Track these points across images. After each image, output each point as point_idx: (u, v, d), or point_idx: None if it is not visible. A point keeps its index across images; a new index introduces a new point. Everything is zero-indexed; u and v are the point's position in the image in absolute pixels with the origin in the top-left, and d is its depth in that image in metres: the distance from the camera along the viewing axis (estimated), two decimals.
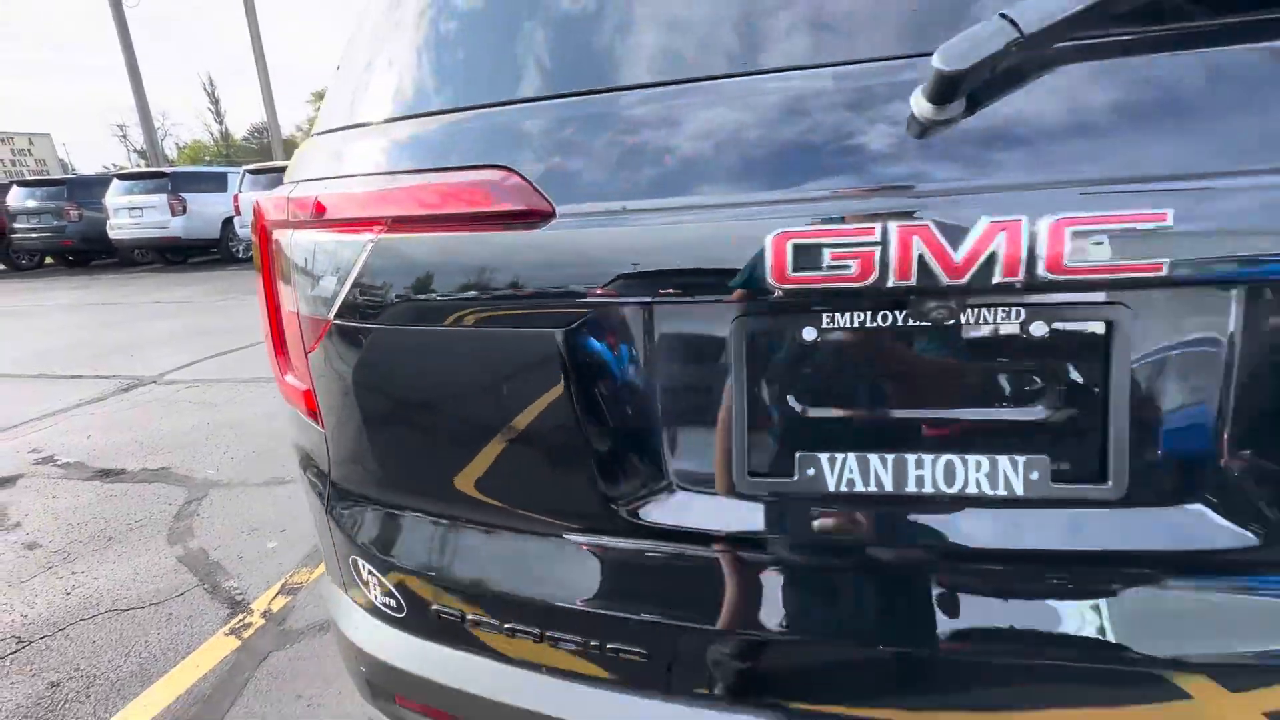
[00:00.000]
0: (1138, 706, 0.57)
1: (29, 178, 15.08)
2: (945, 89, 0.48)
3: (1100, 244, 0.48)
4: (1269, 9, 0.49)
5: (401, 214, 0.67)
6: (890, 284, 0.52)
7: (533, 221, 0.61)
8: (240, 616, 2.07)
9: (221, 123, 51.90)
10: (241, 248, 12.34)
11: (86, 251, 12.95)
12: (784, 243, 0.52)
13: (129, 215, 11.58)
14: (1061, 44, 0.49)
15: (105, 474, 3.21)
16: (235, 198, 11.39)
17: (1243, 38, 0.49)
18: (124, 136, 50.58)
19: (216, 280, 10.39)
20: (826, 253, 0.52)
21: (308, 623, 2.02)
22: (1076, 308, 0.54)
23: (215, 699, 1.73)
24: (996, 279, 0.50)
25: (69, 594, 2.23)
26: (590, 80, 0.64)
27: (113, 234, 11.77)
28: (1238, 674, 0.56)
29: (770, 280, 0.54)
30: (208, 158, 47.53)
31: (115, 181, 12.16)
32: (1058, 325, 0.55)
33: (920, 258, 0.51)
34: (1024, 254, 0.49)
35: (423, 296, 0.66)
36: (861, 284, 0.52)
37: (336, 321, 0.72)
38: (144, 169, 16.20)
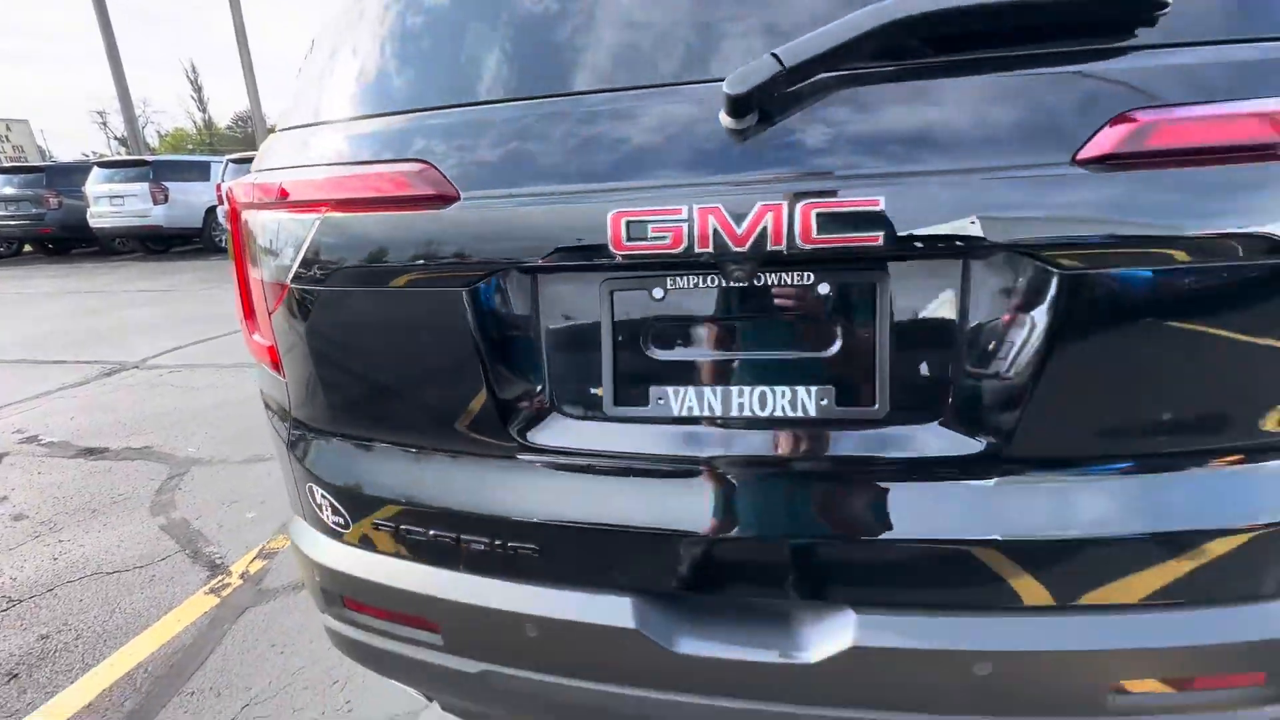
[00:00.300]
0: (895, 559, 0.75)
1: (6, 164, 14.96)
2: (736, 106, 0.65)
3: (835, 221, 0.65)
4: (956, 52, 0.67)
5: (343, 197, 0.83)
6: (696, 251, 0.68)
7: (443, 204, 0.78)
8: (220, 578, 2.21)
9: (205, 111, 51.20)
10: (225, 237, 12.31)
11: (66, 240, 12.87)
12: (619, 219, 0.69)
13: (110, 203, 11.53)
14: (818, 76, 0.66)
15: (89, 452, 3.32)
16: (218, 187, 11.38)
17: (934, 74, 0.68)
18: (104, 124, 49.76)
19: (199, 269, 10.40)
20: (649, 227, 0.69)
21: (283, 584, 2.17)
22: (848, 271, 0.72)
23: (196, 647, 1.88)
24: (768, 247, 0.67)
25: (56, 559, 2.36)
26: (482, 95, 0.80)
27: (93, 222, 11.71)
28: (972, 542, 0.74)
29: (611, 248, 0.70)
30: (190, 146, 46.89)
31: (96, 169, 12.09)
32: (836, 285, 0.72)
33: (715, 231, 0.67)
34: (785, 229, 0.66)
35: (358, 263, 0.82)
36: (675, 250, 0.69)
37: (293, 285, 0.88)
38: (125, 157, 16.05)
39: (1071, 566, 0.72)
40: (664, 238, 0.68)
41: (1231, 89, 0.64)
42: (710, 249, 0.68)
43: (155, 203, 11.42)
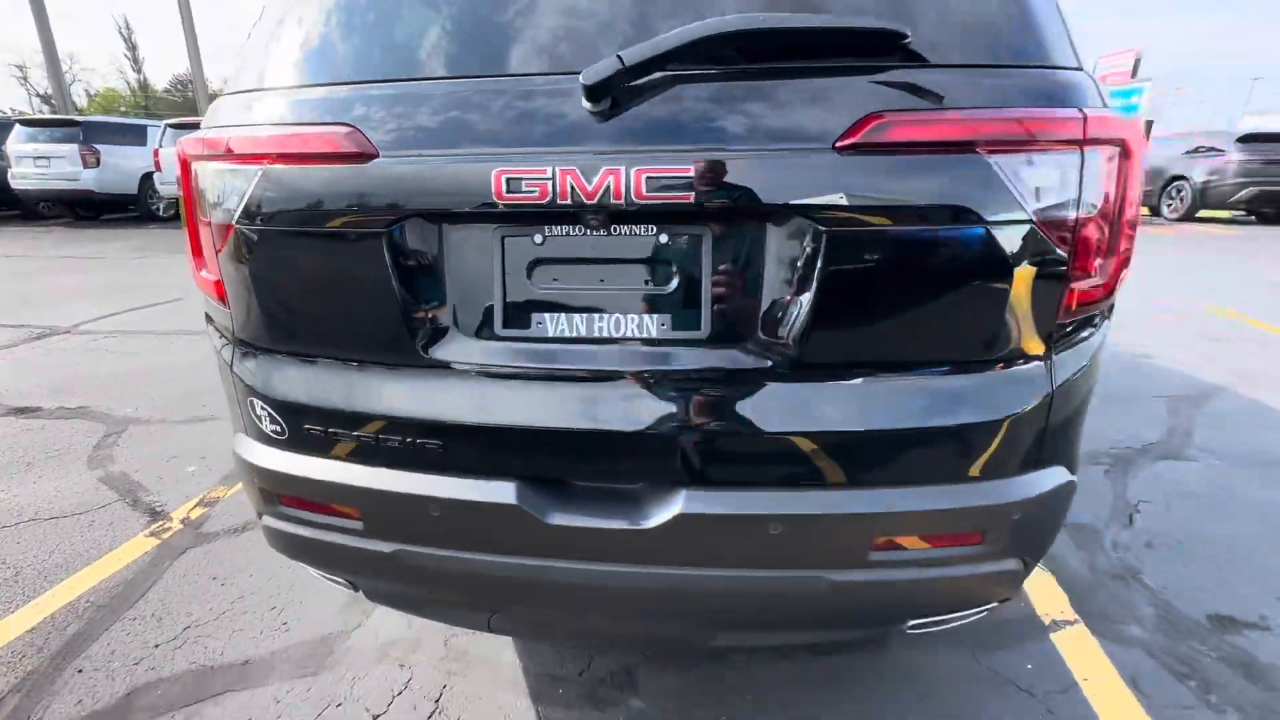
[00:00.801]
0: (715, 448, 0.98)
1: None
2: (590, 94, 0.86)
3: (658, 184, 0.87)
4: (755, 62, 0.90)
5: (282, 152, 1.00)
6: (559, 202, 0.89)
7: (364, 160, 0.96)
8: (160, 523, 2.32)
9: (140, 71, 48.28)
10: (163, 205, 11.82)
11: None
12: (500, 176, 0.89)
13: (34, 164, 10.90)
14: (652, 74, 0.87)
15: (20, 411, 3.31)
16: (156, 152, 10.88)
17: (738, 77, 0.90)
18: (24, 79, 46.33)
19: (133, 238, 9.99)
20: (523, 183, 0.89)
21: (224, 527, 2.29)
22: (678, 225, 0.94)
23: (137, 581, 2.00)
24: (610, 201, 0.88)
25: None
26: (400, 72, 0.99)
27: (15, 184, 11.06)
28: (762, 437, 0.97)
29: (494, 198, 0.91)
30: (123, 109, 44.19)
31: (18, 127, 11.39)
32: (670, 235, 0.94)
33: (571, 187, 0.88)
34: (623, 188, 0.87)
35: (294, 208, 1.00)
36: (543, 202, 0.89)
37: (237, 226, 1.04)
38: (52, 116, 15.10)
39: (841, 452, 0.97)
40: (534, 191, 0.89)
41: (947, 100, 0.89)
42: (569, 201, 0.89)
43: (85, 166, 10.86)
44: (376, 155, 0.95)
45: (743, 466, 0.99)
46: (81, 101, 44.17)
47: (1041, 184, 0.90)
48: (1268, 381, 3.60)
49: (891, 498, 0.97)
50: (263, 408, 1.13)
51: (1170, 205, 12.44)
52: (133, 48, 47.18)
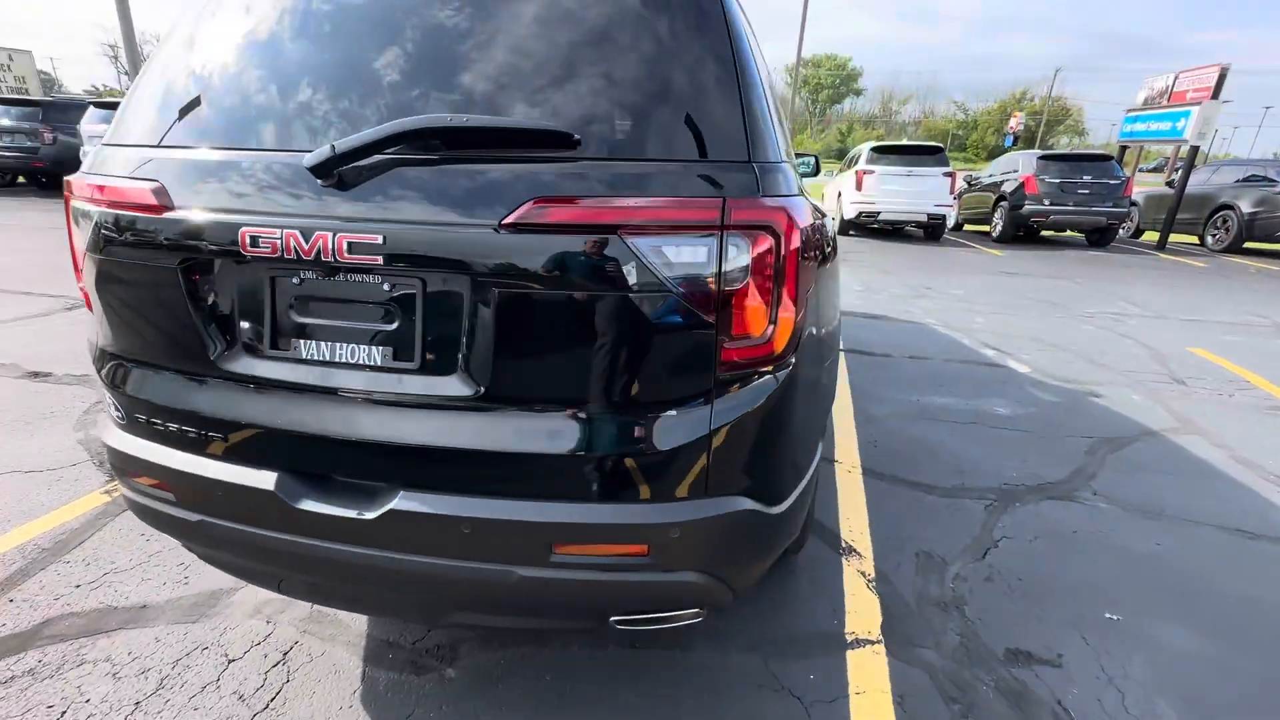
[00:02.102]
0: (423, 459, 1.20)
1: (6, 95, 15.20)
2: (315, 172, 1.09)
3: (358, 248, 1.10)
4: (439, 151, 1.12)
5: (112, 199, 1.27)
6: (286, 258, 1.13)
7: (165, 211, 1.22)
8: (114, 483, 2.67)
9: None
10: None
11: (58, 175, 13.23)
12: (245, 233, 1.14)
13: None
14: (362, 160, 1.10)
15: (34, 375, 3.76)
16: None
17: (426, 164, 1.12)
18: (115, 58, 49.54)
19: None
20: (260, 239, 1.13)
21: None
22: (397, 277, 1.16)
23: (80, 530, 2.34)
24: (323, 259, 1.11)
25: None
26: (191, 140, 1.25)
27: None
28: (458, 452, 1.18)
29: (241, 251, 1.15)
30: None
31: (91, 109, 12.39)
32: (391, 285, 1.17)
33: (294, 246, 1.12)
34: (330, 249, 1.10)
35: (120, 242, 1.27)
36: (275, 256, 1.13)
37: (88, 253, 1.32)
38: (118, 100, 16.19)
39: (520, 469, 1.18)
40: (267, 247, 1.13)
41: (604, 189, 1.08)
42: (294, 257, 1.13)
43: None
44: (172, 207, 1.21)
45: (442, 475, 1.21)
46: None
47: (681, 260, 1.09)
48: (1206, 431, 3.57)
49: (565, 510, 1.17)
50: (111, 398, 1.40)
51: (1215, 236, 11.88)
52: None
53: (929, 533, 2.49)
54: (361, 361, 1.21)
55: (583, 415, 1.17)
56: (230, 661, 1.80)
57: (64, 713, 1.62)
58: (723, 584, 1.30)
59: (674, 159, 1.13)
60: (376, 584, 1.29)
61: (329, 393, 1.23)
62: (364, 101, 1.18)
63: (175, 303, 1.26)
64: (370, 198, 1.12)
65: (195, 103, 1.28)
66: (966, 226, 14.47)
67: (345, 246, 1.10)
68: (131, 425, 1.38)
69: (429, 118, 1.07)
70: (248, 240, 1.14)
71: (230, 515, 1.31)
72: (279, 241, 1.12)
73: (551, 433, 1.17)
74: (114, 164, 1.32)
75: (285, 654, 1.83)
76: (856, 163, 11.82)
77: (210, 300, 1.26)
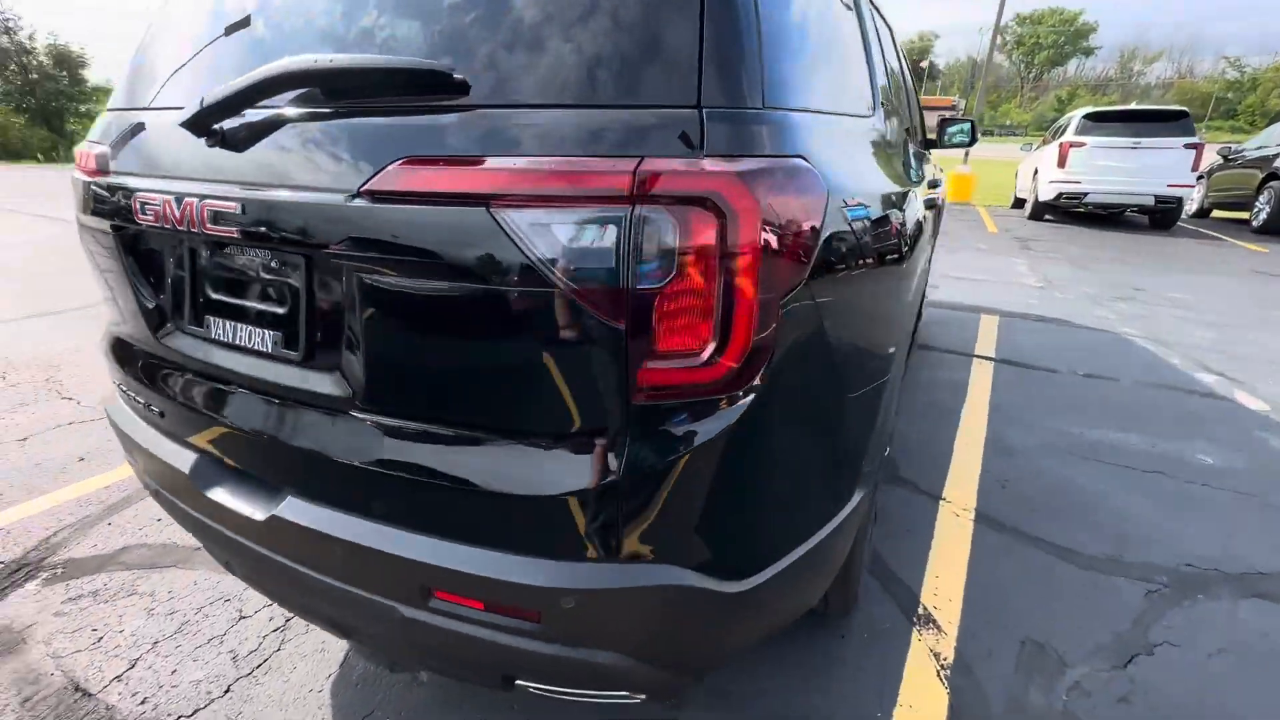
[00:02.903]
0: (299, 461, 1.05)
1: None
2: (194, 128, 0.95)
3: (218, 213, 0.94)
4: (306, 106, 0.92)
5: (85, 165, 1.26)
6: (163, 226, 1.02)
7: (104, 175, 1.18)
8: None
9: None
10: None
11: None
12: (137, 199, 1.05)
13: None
14: (239, 117, 0.93)
15: None
16: None
17: (286, 122, 0.94)
18: None
19: None
20: (147, 206, 1.03)
21: None
22: (280, 255, 0.99)
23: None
24: (192, 229, 0.98)
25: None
26: (128, 101, 1.18)
27: None
28: (333, 462, 1.00)
29: (135, 219, 1.06)
30: None
31: None
32: (275, 263, 1.00)
33: (169, 214, 1.00)
34: (196, 218, 0.96)
35: (88, 210, 1.27)
36: (156, 223, 1.03)
37: (78, 217, 1.35)
38: None
39: (396, 491, 0.97)
40: (150, 215, 1.03)
41: (491, 145, 0.82)
42: (169, 225, 1.01)
43: None
44: (108, 171, 1.17)
45: (323, 486, 1.04)
46: None
47: (577, 245, 0.79)
48: None
49: (439, 550, 0.95)
50: (111, 373, 1.45)
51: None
52: None
53: (1049, 616, 1.89)
54: (255, 346, 1.08)
55: (457, 437, 0.93)
56: (241, 619, 1.86)
57: (101, 638, 1.78)
58: (661, 671, 1.00)
59: (592, 104, 0.82)
60: (285, 586, 1.18)
61: (229, 378, 1.12)
62: (265, 52, 1.02)
63: (120, 271, 1.23)
64: (246, 161, 0.97)
65: (145, 62, 1.23)
66: (1216, 213, 11.56)
67: (208, 216, 0.96)
68: (115, 393, 1.42)
69: (295, 60, 0.87)
70: (138, 207, 1.06)
71: (170, 491, 1.28)
72: (159, 209, 1.03)
73: (422, 453, 0.94)
74: (92, 131, 1.33)
75: (287, 621, 1.85)
76: (1063, 133, 9.87)
77: (146, 270, 1.22)
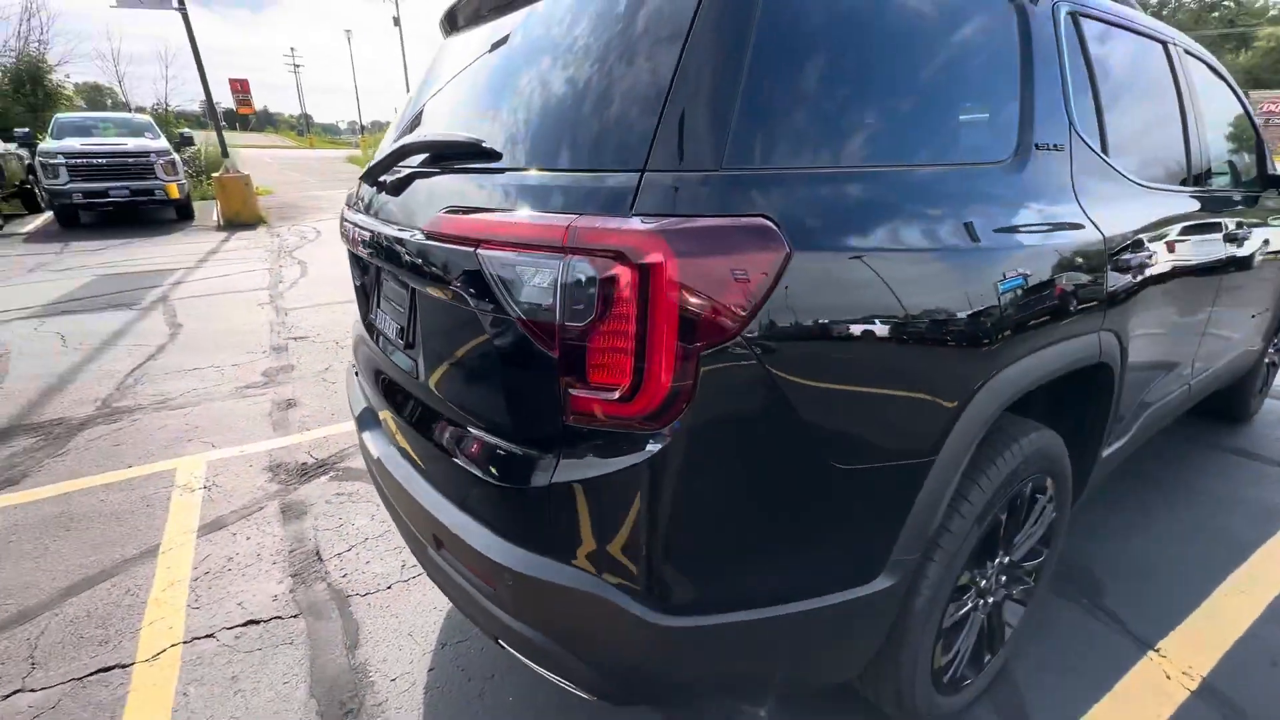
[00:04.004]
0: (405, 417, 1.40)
1: None
2: (366, 180, 1.40)
3: (393, 245, 1.31)
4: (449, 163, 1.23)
5: (346, 203, 1.88)
6: (363, 248, 1.46)
7: (347, 208, 1.75)
8: None
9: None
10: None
11: None
12: (347, 228, 1.53)
13: None
14: (387, 174, 1.33)
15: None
16: None
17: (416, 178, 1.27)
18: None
19: None
20: (354, 233, 1.50)
21: None
22: (412, 275, 1.34)
23: None
24: (377, 254, 1.39)
25: None
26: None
27: None
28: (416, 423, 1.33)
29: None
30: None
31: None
32: (407, 280, 1.37)
33: (362, 240, 1.43)
34: (383, 244, 1.37)
35: (340, 233, 1.88)
36: (358, 246, 1.48)
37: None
38: None
39: (432, 452, 1.27)
40: (354, 239, 1.50)
41: (500, 203, 1.07)
42: (361, 248, 1.46)
43: None
44: (349, 206, 1.73)
45: (413, 433, 1.38)
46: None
47: (527, 285, 0.97)
48: None
49: (440, 505, 1.21)
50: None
51: None
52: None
53: None
54: (399, 340, 1.48)
55: (459, 419, 1.22)
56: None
57: (341, 525, 2.52)
58: (583, 665, 1.10)
59: (573, 169, 1.00)
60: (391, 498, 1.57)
61: (387, 349, 1.56)
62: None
63: (353, 275, 1.81)
64: (389, 204, 1.38)
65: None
66: None
67: (360, 240, 1.39)
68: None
69: (409, 136, 1.25)
70: (349, 231, 1.57)
71: (359, 422, 1.81)
72: (351, 235, 1.51)
73: (439, 429, 1.27)
74: None
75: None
76: None
77: (361, 276, 1.76)
